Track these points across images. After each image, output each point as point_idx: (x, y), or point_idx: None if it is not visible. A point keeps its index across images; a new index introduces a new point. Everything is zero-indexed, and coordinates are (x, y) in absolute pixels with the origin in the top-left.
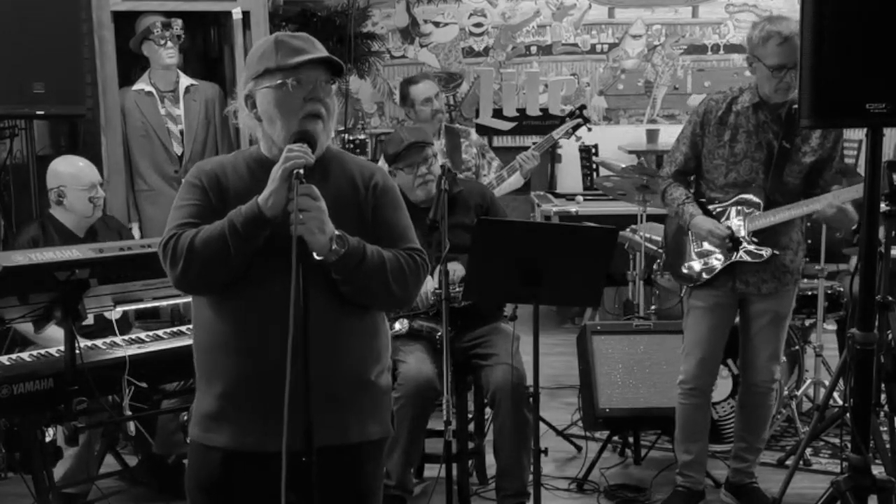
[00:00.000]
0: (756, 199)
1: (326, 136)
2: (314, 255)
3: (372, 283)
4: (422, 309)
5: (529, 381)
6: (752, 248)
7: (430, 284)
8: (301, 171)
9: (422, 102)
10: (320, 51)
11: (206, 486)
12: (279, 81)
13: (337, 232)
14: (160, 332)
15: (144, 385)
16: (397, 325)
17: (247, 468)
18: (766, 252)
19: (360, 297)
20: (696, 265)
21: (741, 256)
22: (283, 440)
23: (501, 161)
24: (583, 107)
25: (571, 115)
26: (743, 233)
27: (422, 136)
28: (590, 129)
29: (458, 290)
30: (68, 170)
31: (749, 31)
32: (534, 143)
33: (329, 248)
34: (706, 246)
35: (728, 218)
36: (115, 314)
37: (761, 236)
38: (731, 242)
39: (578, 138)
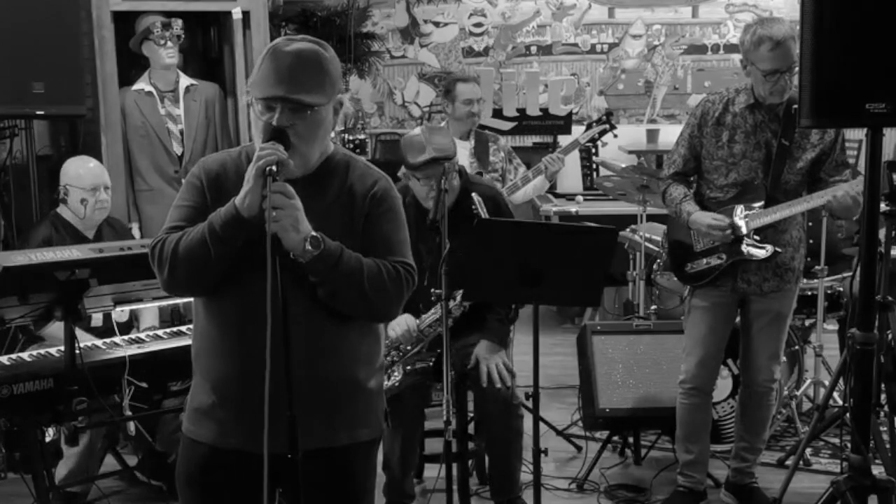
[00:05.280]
0: (755, 198)
1: (302, 158)
2: (290, 254)
3: (347, 287)
4: (409, 347)
5: (527, 381)
6: (753, 245)
7: (411, 322)
8: (274, 168)
9: (464, 102)
10: (300, 81)
11: (193, 481)
12: (251, 100)
13: (314, 233)
14: (160, 332)
15: (144, 385)
16: (392, 381)
17: (231, 467)
18: (767, 248)
19: (335, 302)
20: (700, 265)
21: (746, 251)
22: (264, 440)
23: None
24: (609, 113)
25: (598, 121)
26: (745, 230)
27: (444, 145)
28: (616, 136)
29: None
30: (74, 170)
31: (741, 34)
32: (535, 144)
33: (303, 247)
34: (708, 245)
35: (730, 217)
36: (118, 315)
37: (763, 234)
38: (732, 233)
39: (604, 143)
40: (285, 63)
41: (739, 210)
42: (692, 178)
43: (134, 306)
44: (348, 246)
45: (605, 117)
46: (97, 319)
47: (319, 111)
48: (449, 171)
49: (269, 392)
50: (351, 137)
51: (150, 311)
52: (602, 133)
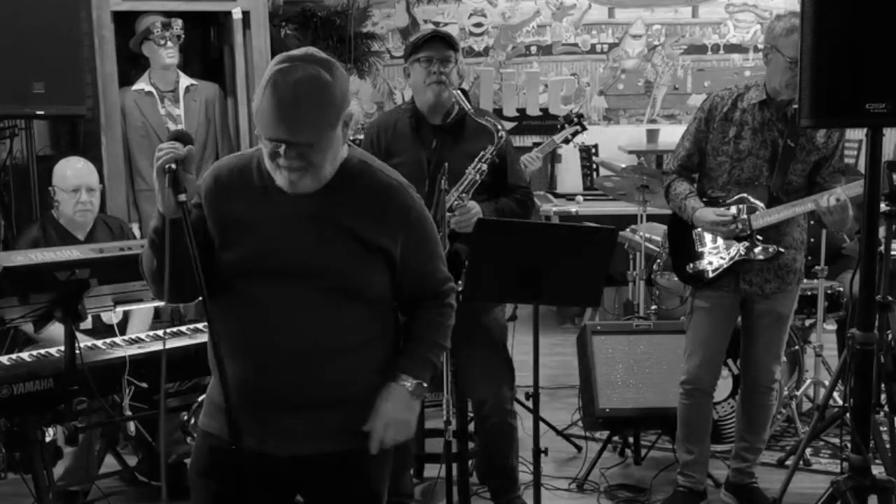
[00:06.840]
0: (758, 198)
1: (316, 176)
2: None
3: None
4: None
5: (527, 381)
6: (755, 245)
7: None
8: (173, 165)
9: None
10: (302, 120)
11: (203, 472)
12: (257, 132)
13: (409, 386)
14: (160, 332)
15: (144, 385)
16: None
17: (244, 464)
18: (771, 249)
19: None
20: (701, 264)
21: (747, 252)
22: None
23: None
24: (580, 115)
25: (570, 121)
26: (749, 230)
27: (450, 33)
28: (584, 135)
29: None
30: (61, 170)
31: (772, 21)
32: (534, 144)
33: (418, 397)
34: (710, 245)
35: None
36: (115, 316)
37: (765, 235)
38: (739, 225)
39: (577, 144)
40: (287, 99)
41: (743, 209)
42: (695, 175)
43: (134, 306)
44: (376, 239)
45: (576, 118)
46: (86, 322)
47: (325, 140)
48: (451, 66)
49: (254, 392)
50: (351, 138)
51: (139, 318)
52: (574, 133)
